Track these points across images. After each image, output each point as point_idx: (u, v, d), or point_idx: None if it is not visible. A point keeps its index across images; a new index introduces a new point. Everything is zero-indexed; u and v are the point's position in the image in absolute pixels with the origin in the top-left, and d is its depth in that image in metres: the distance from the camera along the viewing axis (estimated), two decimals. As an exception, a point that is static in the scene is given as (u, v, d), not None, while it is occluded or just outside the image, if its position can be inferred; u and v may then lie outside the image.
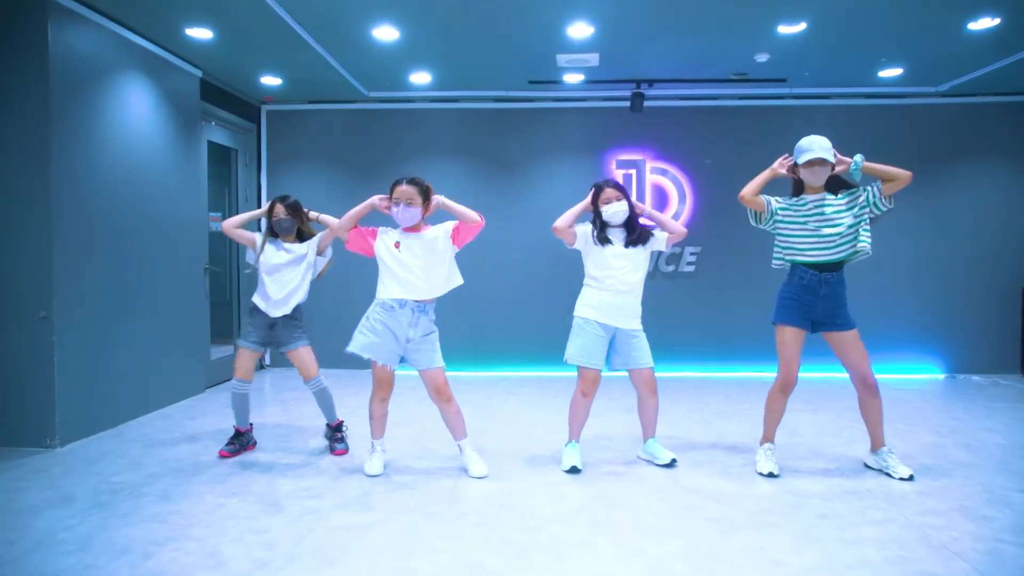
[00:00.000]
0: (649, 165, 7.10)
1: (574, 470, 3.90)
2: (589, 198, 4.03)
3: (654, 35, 5.30)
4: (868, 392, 3.79)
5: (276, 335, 4.29)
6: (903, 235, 6.97)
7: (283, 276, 4.19)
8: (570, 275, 7.61)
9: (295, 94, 7.05)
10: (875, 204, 3.66)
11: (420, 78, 6.46)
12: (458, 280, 3.90)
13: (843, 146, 3.95)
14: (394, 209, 3.75)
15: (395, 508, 3.37)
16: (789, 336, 3.78)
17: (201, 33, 5.16)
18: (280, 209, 4.20)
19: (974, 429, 4.89)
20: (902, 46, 5.58)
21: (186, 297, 5.89)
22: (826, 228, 3.69)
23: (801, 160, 3.71)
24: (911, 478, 3.71)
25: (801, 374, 3.89)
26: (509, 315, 7.20)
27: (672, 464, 4.00)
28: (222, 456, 4.20)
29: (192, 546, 2.91)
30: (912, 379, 6.89)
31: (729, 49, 5.62)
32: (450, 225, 3.83)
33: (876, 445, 3.88)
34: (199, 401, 5.84)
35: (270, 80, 6.47)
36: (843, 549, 2.88)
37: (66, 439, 4.45)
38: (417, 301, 3.74)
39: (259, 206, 7.35)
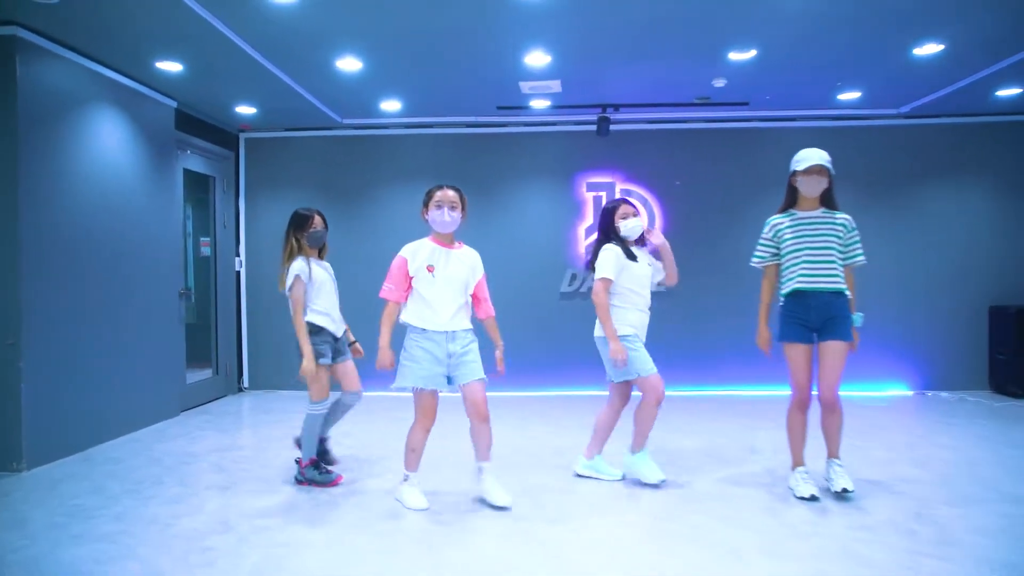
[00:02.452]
0: (619, 187, 7.24)
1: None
2: (601, 217, 4.15)
3: (613, 62, 5.45)
4: (831, 404, 3.78)
5: (338, 348, 4.29)
6: (872, 254, 6.98)
7: (332, 292, 4.23)
8: (544, 295, 7.78)
9: (271, 122, 7.22)
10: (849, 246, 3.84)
11: (390, 106, 6.62)
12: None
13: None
14: (435, 212, 3.61)
15: (346, 526, 3.46)
16: (795, 352, 3.80)
17: (171, 66, 5.33)
18: (318, 221, 4.25)
19: (928, 445, 4.96)
20: (854, 71, 5.72)
21: (160, 321, 6.01)
22: (818, 248, 3.75)
23: (801, 167, 3.75)
24: (845, 491, 3.73)
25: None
26: (481, 336, 7.31)
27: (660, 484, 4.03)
28: (339, 483, 4.16)
29: (135, 566, 3.00)
30: (880, 396, 6.97)
31: (687, 75, 5.77)
32: (480, 272, 3.78)
33: (829, 453, 3.89)
34: (172, 424, 5.93)
35: (245, 109, 6.64)
36: (767, 563, 2.96)
37: (32, 463, 4.55)
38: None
39: (237, 231, 7.50)
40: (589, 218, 7.23)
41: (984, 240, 7.12)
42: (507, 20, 4.53)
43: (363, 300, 7.48)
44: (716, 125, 7.23)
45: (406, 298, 3.62)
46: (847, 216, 3.85)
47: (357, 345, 4.47)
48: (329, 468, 4.23)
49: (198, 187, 7.14)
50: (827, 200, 3.83)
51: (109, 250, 5.34)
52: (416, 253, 3.63)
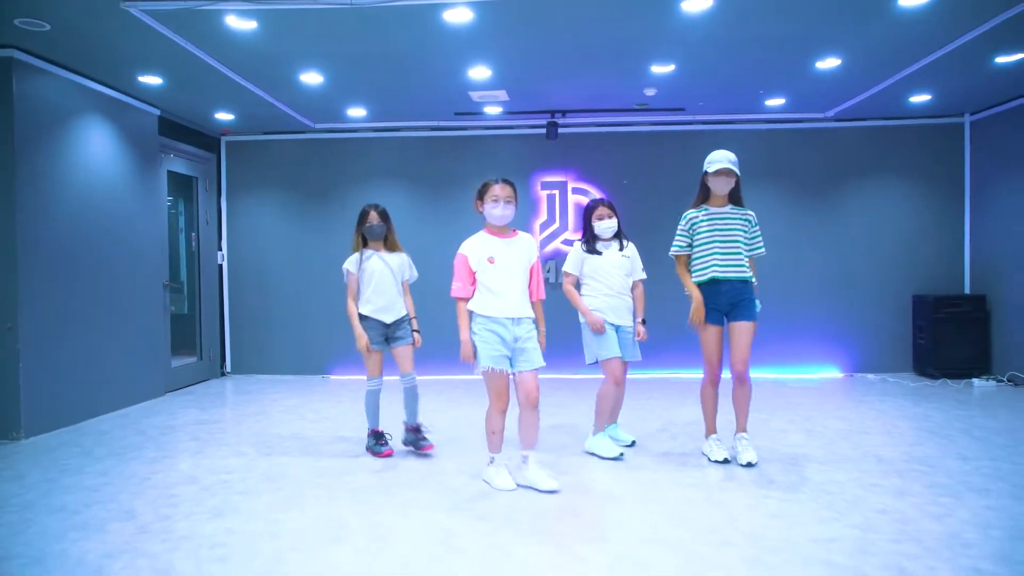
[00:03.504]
0: (571, 186, 7.84)
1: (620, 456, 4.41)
2: (583, 214, 4.74)
3: (551, 75, 6.05)
4: (740, 378, 4.27)
5: (391, 333, 4.59)
6: (805, 246, 7.69)
7: (384, 284, 4.52)
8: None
9: (250, 127, 7.82)
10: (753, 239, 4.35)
11: (356, 112, 7.23)
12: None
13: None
14: (491, 207, 3.81)
15: (295, 479, 4.08)
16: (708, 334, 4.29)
17: (153, 80, 5.92)
18: (374, 216, 4.56)
19: (826, 418, 5.57)
20: (770, 82, 6.32)
21: (146, 310, 6.62)
22: (728, 240, 4.24)
23: (711, 169, 4.22)
24: (749, 464, 4.21)
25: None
26: (445, 327, 7.93)
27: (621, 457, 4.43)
28: (387, 455, 4.51)
29: (113, 506, 3.62)
30: (812, 379, 7.58)
31: (621, 85, 6.36)
32: (535, 255, 3.95)
33: (738, 428, 4.39)
34: (158, 403, 6.55)
35: (224, 116, 7.24)
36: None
37: (30, 432, 5.18)
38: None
39: (220, 227, 8.12)
40: (543, 214, 7.83)
41: (907, 234, 7.72)
42: (448, 41, 5.12)
43: (333, 289, 8.11)
44: (659, 128, 7.83)
45: (473, 292, 3.81)
46: (751, 212, 4.37)
47: (417, 336, 4.68)
48: (385, 442, 4.59)
49: (182, 187, 7.74)
50: (734, 197, 4.35)
51: (99, 246, 5.95)
52: (474, 248, 3.83)
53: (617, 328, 4.48)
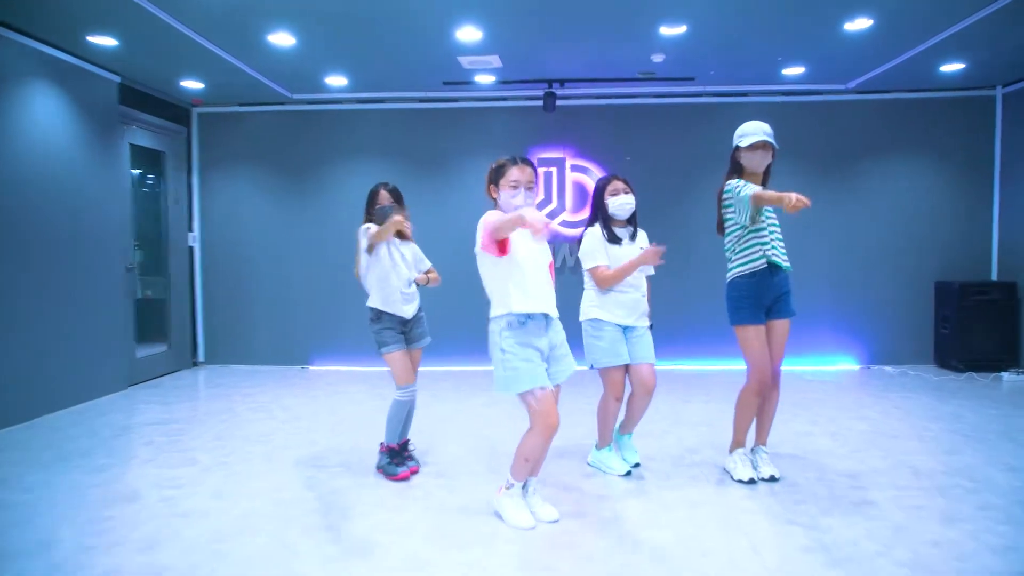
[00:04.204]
0: (569, 163, 7.26)
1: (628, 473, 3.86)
2: (592, 195, 3.96)
3: (549, 39, 5.46)
4: (774, 382, 3.73)
5: (410, 332, 3.95)
6: (820, 230, 7.13)
7: (400, 274, 3.88)
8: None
9: (223, 97, 7.22)
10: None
11: (336, 80, 6.63)
12: None
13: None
14: (508, 195, 3.11)
15: (247, 494, 3.55)
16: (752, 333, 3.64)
17: (105, 41, 5.32)
18: (385, 196, 3.91)
19: (849, 418, 5.06)
20: (791, 47, 5.73)
21: (107, 296, 6.06)
22: (777, 224, 3.66)
23: (745, 143, 3.60)
24: (772, 479, 3.69)
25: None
26: (435, 314, 7.39)
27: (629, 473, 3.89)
28: (402, 478, 3.79)
29: (29, 530, 3.09)
30: (827, 371, 7.06)
31: (625, 50, 5.77)
32: (551, 257, 3.29)
33: (759, 440, 3.84)
34: (119, 398, 6.02)
35: (192, 84, 6.64)
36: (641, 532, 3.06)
37: (-33, 434, 4.65)
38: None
39: (190, 206, 7.54)
40: (540, 193, 7.26)
41: (930, 216, 7.16)
42: (430, -5, 4.54)
43: (315, 274, 7.54)
44: (665, 101, 7.24)
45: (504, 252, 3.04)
46: None
47: (434, 275, 4.07)
48: (404, 463, 3.88)
49: (148, 163, 7.16)
50: (767, 176, 3.70)
51: (52, 226, 5.38)
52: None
53: (626, 329, 3.85)
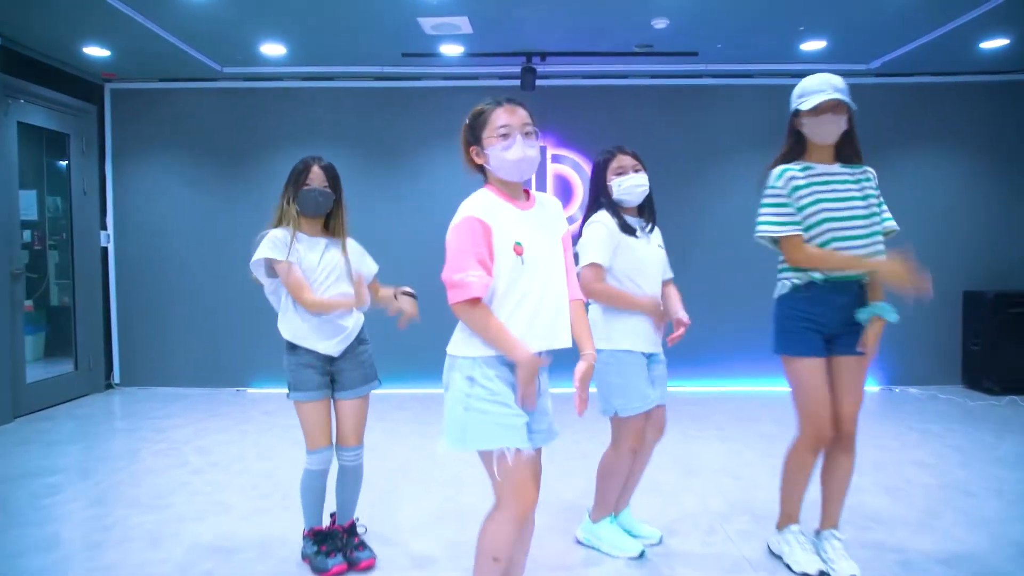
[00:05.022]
0: (550, 152, 6.25)
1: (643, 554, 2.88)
2: (591, 174, 3.01)
3: (530, -4, 4.45)
4: (845, 443, 2.74)
5: (337, 372, 2.79)
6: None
7: (330, 285, 2.76)
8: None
9: (140, 70, 6.07)
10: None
11: (272, 50, 5.53)
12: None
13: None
14: (502, 147, 2.02)
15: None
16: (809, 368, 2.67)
17: (-32, -14, 4.19)
18: (317, 174, 2.77)
19: (901, 463, 4.12)
20: (817, 13, 4.79)
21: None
22: (846, 217, 2.65)
23: (807, 104, 2.60)
24: None
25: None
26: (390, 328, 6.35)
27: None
28: (338, 573, 2.69)
29: None
30: (843, 392, 6.16)
31: (622, 13, 4.78)
32: (566, 226, 2.21)
33: (826, 522, 2.77)
34: (2, 434, 4.86)
35: (97, 51, 5.48)
36: None
37: None
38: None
39: (103, 199, 6.37)
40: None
41: (958, 216, 6.31)
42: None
43: (254, 284, 6.45)
44: (662, 81, 6.28)
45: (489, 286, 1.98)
46: (870, 169, 2.79)
47: (407, 302, 2.84)
48: (341, 551, 2.77)
49: (48, 147, 5.98)
50: (845, 150, 2.71)
51: None
52: (494, 214, 2.01)
53: (649, 358, 2.89)
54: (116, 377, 6.46)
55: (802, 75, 2.81)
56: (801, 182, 2.66)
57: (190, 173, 6.38)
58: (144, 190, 6.41)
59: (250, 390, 6.34)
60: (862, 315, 2.66)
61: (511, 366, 1.97)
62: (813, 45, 5.49)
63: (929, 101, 6.25)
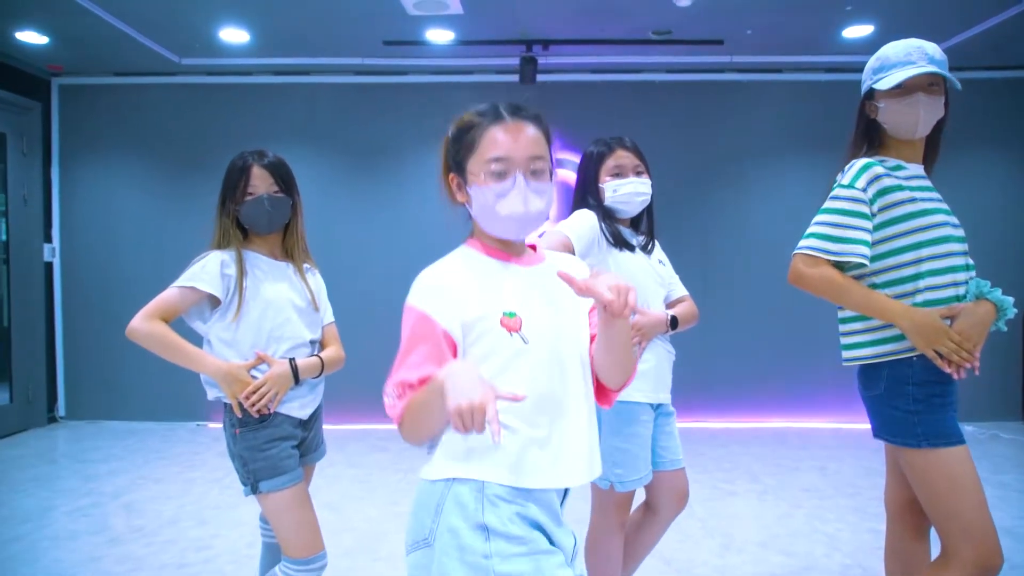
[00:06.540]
0: (553, 156, 5.53)
1: None
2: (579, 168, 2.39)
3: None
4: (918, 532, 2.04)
5: (307, 439, 2.14)
6: (875, 246, 5.50)
7: (293, 329, 2.07)
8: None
9: (89, 63, 5.38)
10: None
11: (234, 36, 4.82)
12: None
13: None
14: (488, 191, 1.38)
15: None
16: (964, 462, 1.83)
17: None
18: (259, 176, 2.05)
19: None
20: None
21: None
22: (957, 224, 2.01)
23: (887, 82, 1.86)
24: None
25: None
26: (375, 347, 5.61)
27: None
28: None
29: None
30: (888, 430, 5.40)
31: (638, -9, 4.07)
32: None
33: None
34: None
35: (32, 37, 4.78)
36: None
37: None
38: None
39: (47, 207, 5.65)
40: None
41: (1014, 227, 5.58)
42: None
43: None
44: (680, 76, 5.57)
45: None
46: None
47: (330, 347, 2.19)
48: None
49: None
50: (929, 151, 2.06)
51: None
52: (446, 292, 1.37)
53: (657, 409, 2.19)
54: (61, 409, 5.71)
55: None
56: (891, 182, 1.89)
57: (147, 179, 5.67)
58: (95, 197, 5.69)
59: (211, 424, 5.59)
60: (970, 288, 1.92)
61: (529, 492, 1.29)
62: (857, 31, 4.76)
63: (974, 98, 5.49)
